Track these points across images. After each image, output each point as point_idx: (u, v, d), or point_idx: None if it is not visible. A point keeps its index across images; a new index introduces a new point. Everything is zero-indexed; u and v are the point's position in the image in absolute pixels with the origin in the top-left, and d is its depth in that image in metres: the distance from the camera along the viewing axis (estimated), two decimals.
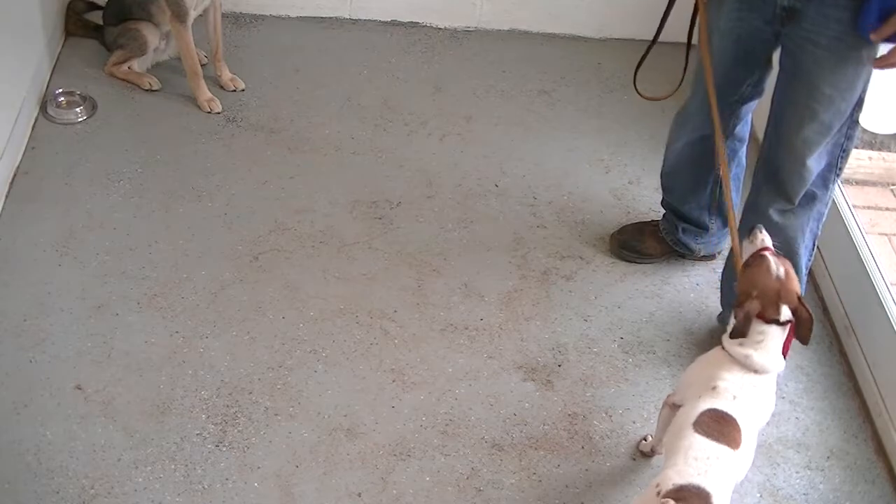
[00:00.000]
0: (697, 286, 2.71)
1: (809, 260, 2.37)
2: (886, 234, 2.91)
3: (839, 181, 2.30)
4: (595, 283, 2.68)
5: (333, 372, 2.35)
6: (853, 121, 2.12)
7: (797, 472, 2.28)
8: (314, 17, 3.55)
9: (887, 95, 2.33)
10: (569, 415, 2.33)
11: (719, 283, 2.57)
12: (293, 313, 2.48)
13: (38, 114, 2.96)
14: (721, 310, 2.55)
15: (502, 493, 2.15)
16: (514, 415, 2.31)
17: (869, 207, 3.03)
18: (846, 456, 2.34)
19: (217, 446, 2.15)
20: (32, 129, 2.91)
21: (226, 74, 3.17)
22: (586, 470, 2.22)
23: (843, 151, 2.19)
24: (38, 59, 3.01)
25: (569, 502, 2.15)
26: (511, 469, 2.20)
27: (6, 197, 2.67)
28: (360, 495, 2.10)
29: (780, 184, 2.24)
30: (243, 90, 3.18)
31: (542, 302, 2.61)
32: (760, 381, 1.88)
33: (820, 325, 2.67)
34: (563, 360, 2.46)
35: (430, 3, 3.55)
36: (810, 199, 2.25)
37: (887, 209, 3.05)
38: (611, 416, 2.34)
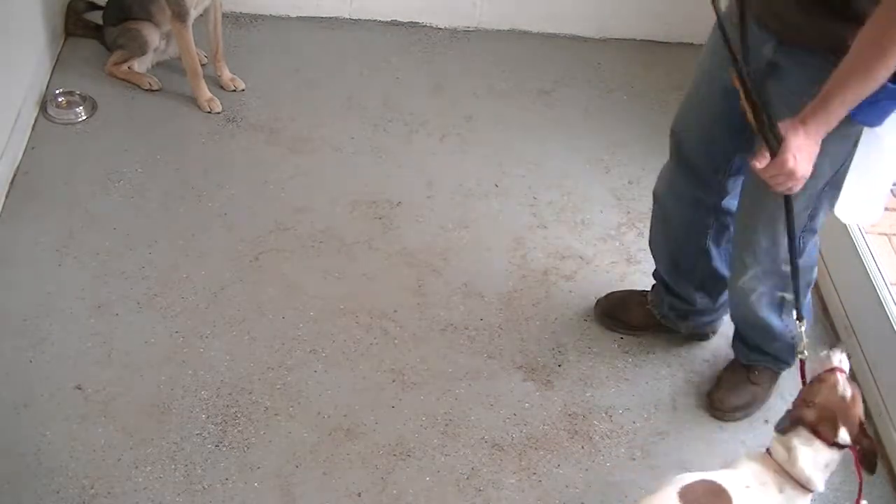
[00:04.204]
0: None
1: (809, 286, 2.20)
2: (886, 234, 2.91)
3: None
4: (595, 283, 2.68)
5: (333, 372, 2.35)
6: (819, 206, 1.93)
7: None
8: (314, 17, 3.55)
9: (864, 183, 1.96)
10: (569, 415, 2.33)
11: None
12: (293, 313, 2.48)
13: (38, 114, 2.96)
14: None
15: (502, 493, 2.15)
16: (514, 415, 2.31)
17: None
18: (846, 456, 2.33)
19: (217, 446, 2.15)
20: (32, 129, 2.91)
21: (226, 74, 3.17)
22: (586, 470, 2.22)
23: (805, 231, 1.99)
24: (38, 59, 3.01)
25: (569, 502, 2.15)
26: (511, 469, 2.20)
27: (6, 197, 2.67)
28: (360, 495, 2.10)
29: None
30: (243, 90, 3.18)
31: (542, 302, 2.61)
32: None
33: (820, 325, 2.67)
34: (563, 360, 2.46)
35: (430, 3, 3.55)
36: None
37: (887, 209, 3.05)
38: (611, 416, 2.34)
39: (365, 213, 2.80)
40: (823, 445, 1.77)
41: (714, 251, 2.32)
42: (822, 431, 1.77)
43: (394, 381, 2.35)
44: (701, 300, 2.42)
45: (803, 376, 1.87)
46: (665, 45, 3.59)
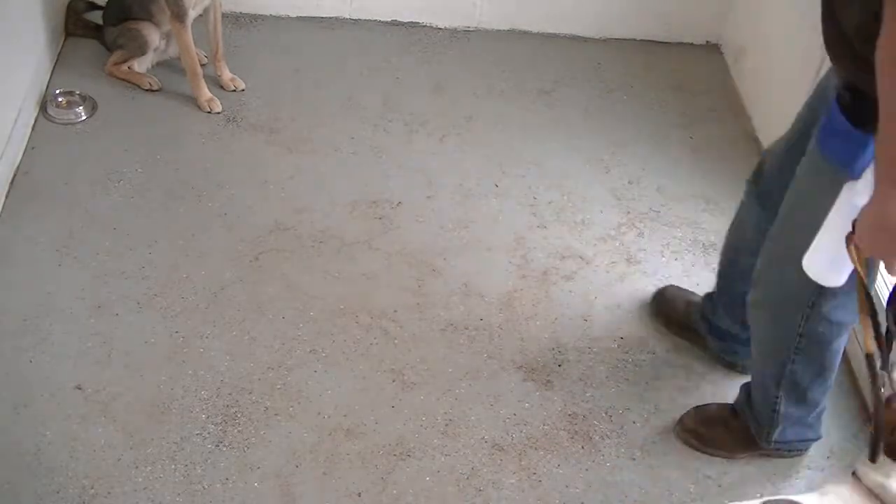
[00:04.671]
0: (697, 286, 2.70)
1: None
2: None
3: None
4: (595, 283, 2.68)
5: (333, 372, 2.35)
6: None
7: (797, 473, 2.28)
8: (314, 17, 3.55)
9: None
10: (569, 415, 2.33)
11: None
12: (293, 313, 2.48)
13: (38, 114, 2.96)
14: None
15: (502, 493, 2.15)
16: (514, 415, 2.31)
17: None
18: (846, 456, 2.33)
19: (217, 446, 2.15)
20: (32, 129, 2.91)
21: (226, 74, 3.17)
22: (586, 470, 2.22)
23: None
24: (38, 59, 3.01)
25: (569, 502, 2.15)
26: (511, 469, 2.20)
27: (6, 197, 2.67)
28: (360, 495, 2.10)
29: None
30: (243, 90, 3.18)
31: (542, 302, 2.61)
32: None
33: None
34: (563, 360, 2.46)
35: (430, 3, 3.55)
36: None
37: None
38: (611, 417, 2.34)
39: (365, 213, 2.80)
40: None
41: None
42: None
43: (394, 381, 2.35)
44: (724, 318, 2.37)
45: (878, 415, 1.83)
46: (665, 45, 3.59)
